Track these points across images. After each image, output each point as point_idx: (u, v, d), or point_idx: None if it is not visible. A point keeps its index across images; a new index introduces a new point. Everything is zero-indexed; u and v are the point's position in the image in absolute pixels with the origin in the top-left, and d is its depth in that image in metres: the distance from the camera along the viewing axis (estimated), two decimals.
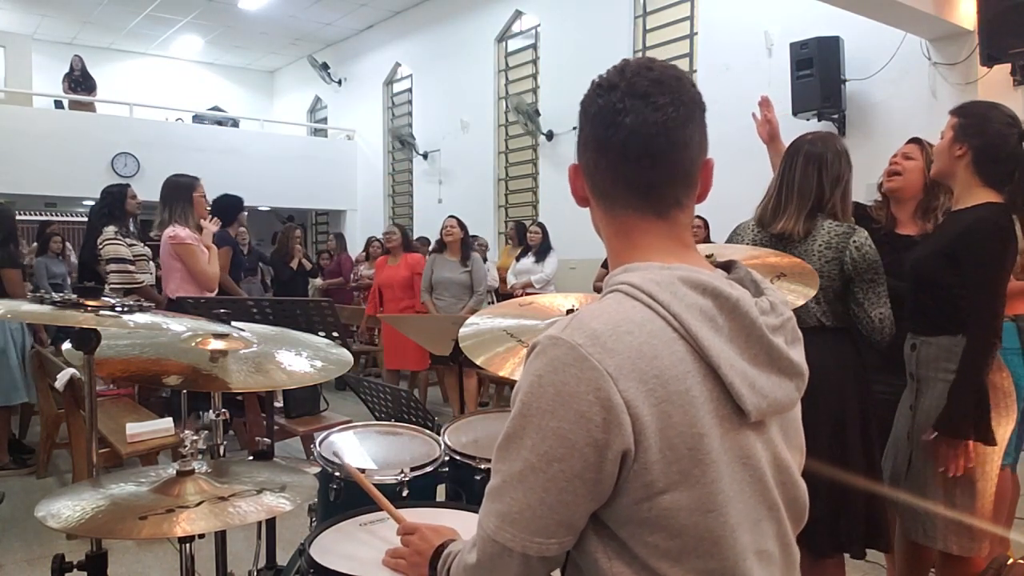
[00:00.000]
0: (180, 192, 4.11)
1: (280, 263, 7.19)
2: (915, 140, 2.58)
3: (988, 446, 2.04)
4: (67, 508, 1.31)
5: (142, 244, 4.64)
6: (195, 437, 1.47)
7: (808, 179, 2.14)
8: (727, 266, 0.98)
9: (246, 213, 5.58)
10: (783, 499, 0.92)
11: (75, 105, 10.77)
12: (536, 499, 0.83)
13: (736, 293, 0.87)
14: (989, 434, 2.02)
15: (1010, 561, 2.20)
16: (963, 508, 2.07)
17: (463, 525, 1.28)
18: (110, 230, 4.44)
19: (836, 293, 2.13)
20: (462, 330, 1.99)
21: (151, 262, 4.72)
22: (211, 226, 4.26)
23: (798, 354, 0.93)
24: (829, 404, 2.06)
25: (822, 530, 2.03)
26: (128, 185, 4.86)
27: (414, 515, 1.39)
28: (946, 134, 2.14)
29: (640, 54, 7.47)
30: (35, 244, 7.80)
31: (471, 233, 6.14)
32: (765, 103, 2.57)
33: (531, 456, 0.83)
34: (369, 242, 8.59)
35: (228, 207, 5.47)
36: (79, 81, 10.86)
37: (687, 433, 0.81)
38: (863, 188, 5.12)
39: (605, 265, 6.61)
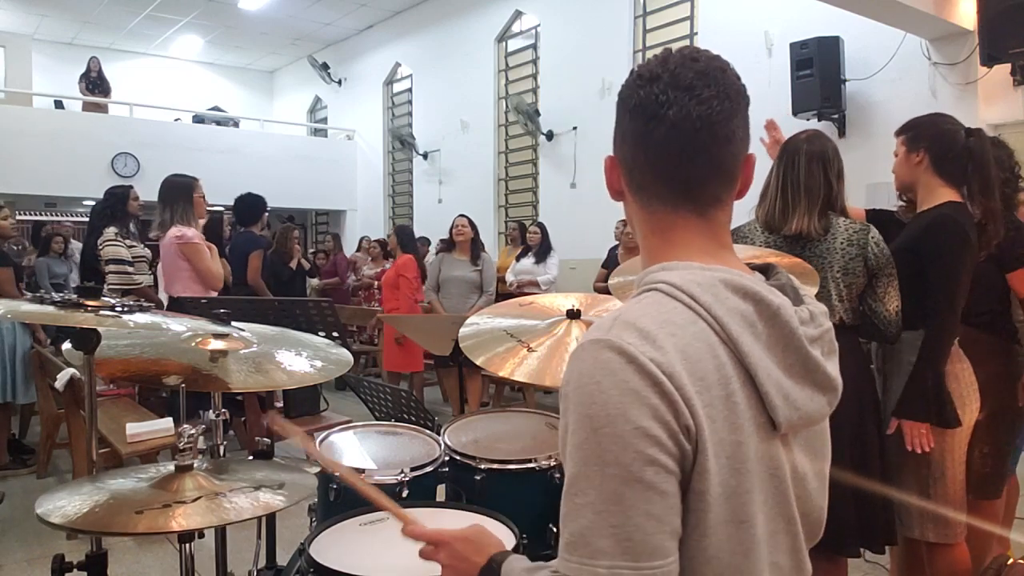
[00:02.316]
0: (180, 192, 4.11)
1: (279, 263, 7.16)
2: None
3: (954, 434, 2.15)
4: (65, 503, 1.31)
5: (142, 246, 4.64)
6: (192, 431, 1.47)
7: (814, 177, 2.15)
8: (765, 270, 0.94)
9: (267, 213, 5.46)
10: (802, 516, 0.89)
11: (88, 106, 10.78)
12: (641, 515, 0.74)
13: (777, 300, 0.85)
14: (951, 418, 2.13)
15: (1010, 561, 2.21)
16: (937, 497, 2.15)
17: (463, 525, 1.28)
18: (110, 231, 4.45)
19: (858, 290, 2.16)
20: (462, 330, 1.99)
21: (150, 264, 4.72)
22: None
23: (833, 367, 0.90)
24: (850, 403, 2.07)
25: (848, 529, 2.06)
26: (131, 187, 4.87)
27: (413, 516, 1.39)
28: (899, 151, 2.29)
29: (640, 54, 7.47)
30: (27, 244, 7.77)
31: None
32: (771, 126, 2.57)
33: (619, 470, 0.74)
34: (361, 242, 8.62)
35: (251, 207, 5.29)
36: (96, 83, 10.87)
37: (727, 440, 0.78)
38: (863, 188, 5.13)
39: (605, 265, 6.57)
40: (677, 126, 0.85)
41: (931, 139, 2.22)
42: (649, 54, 7.45)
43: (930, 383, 2.10)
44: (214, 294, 4.07)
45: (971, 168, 2.20)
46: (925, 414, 2.10)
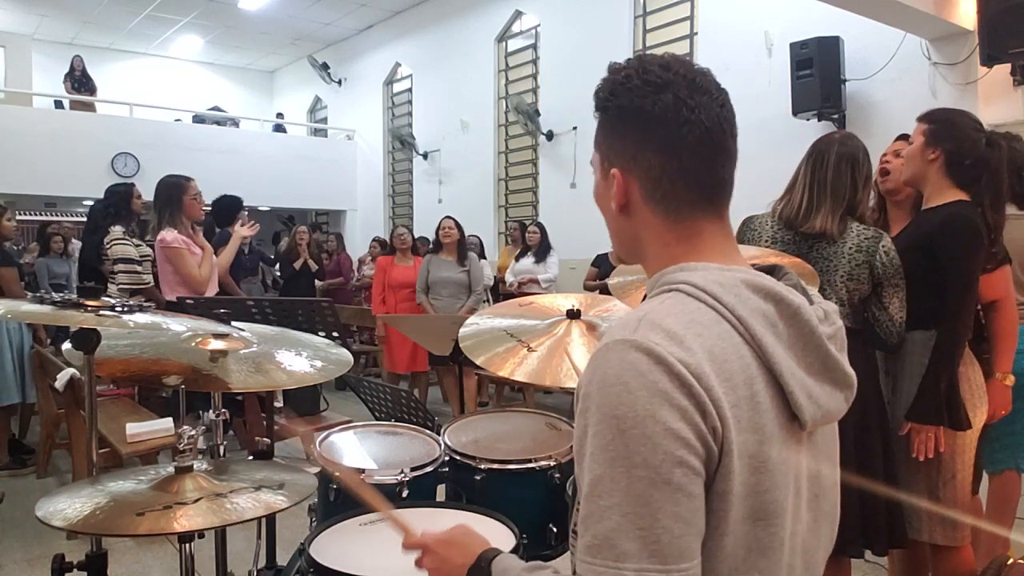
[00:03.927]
0: (170, 194, 4.11)
1: (286, 262, 7.27)
2: (904, 137, 2.60)
3: (965, 435, 2.12)
4: (66, 506, 1.31)
5: (146, 244, 4.64)
6: (192, 432, 1.47)
7: (842, 178, 2.13)
8: (771, 271, 0.94)
9: (246, 213, 5.62)
10: (815, 513, 0.89)
11: (76, 105, 10.79)
12: (669, 517, 0.73)
13: (797, 300, 0.85)
14: (961, 420, 2.10)
15: (1010, 561, 2.21)
16: (946, 499, 2.13)
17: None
18: (117, 230, 4.44)
19: (862, 296, 2.14)
20: (462, 330, 1.99)
21: (154, 263, 4.73)
22: (245, 231, 4.46)
23: (847, 365, 0.90)
24: (854, 407, 2.05)
25: (851, 530, 2.05)
26: (133, 184, 4.86)
27: (413, 515, 1.39)
28: (916, 140, 2.22)
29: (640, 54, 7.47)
30: (34, 243, 7.78)
31: (470, 232, 6.15)
32: None
33: (647, 472, 0.73)
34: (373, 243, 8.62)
35: (227, 207, 5.51)
36: (81, 81, 10.88)
37: (751, 440, 0.78)
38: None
39: (596, 263, 6.53)
40: (710, 129, 0.87)
41: (951, 141, 2.16)
42: (649, 54, 7.45)
43: (944, 386, 2.06)
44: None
45: (986, 180, 2.16)
46: (938, 418, 2.06)
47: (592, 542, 0.75)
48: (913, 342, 2.15)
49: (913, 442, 2.09)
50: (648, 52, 0.80)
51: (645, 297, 0.91)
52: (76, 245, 7.44)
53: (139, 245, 4.51)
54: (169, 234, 4.00)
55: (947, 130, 2.17)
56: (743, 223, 2.31)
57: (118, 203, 4.59)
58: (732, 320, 0.81)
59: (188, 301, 2.73)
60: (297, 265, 7.07)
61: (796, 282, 0.92)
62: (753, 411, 0.79)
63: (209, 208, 5.50)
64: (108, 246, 4.43)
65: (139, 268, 4.42)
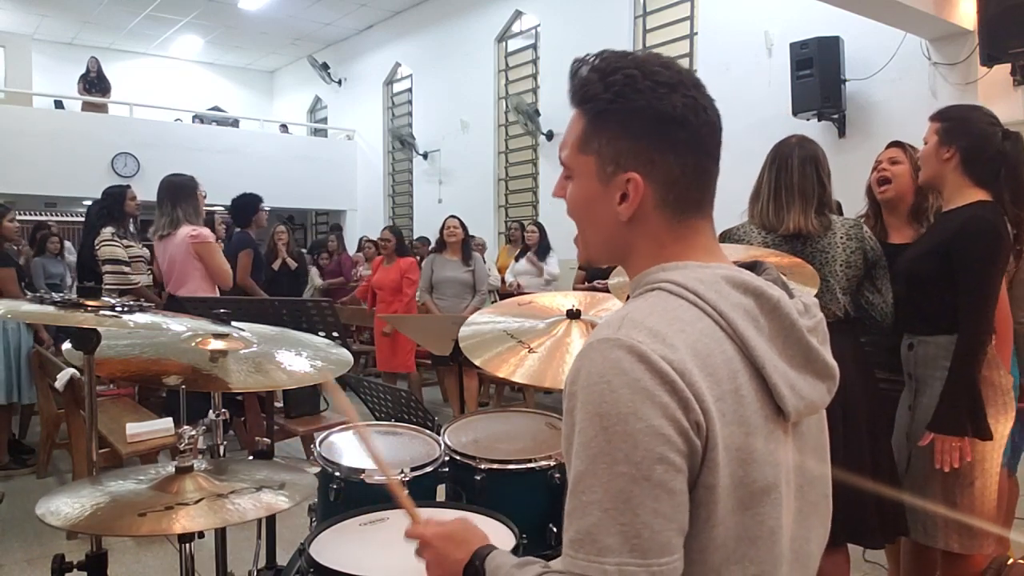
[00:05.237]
0: (186, 191, 4.10)
1: (266, 264, 7.13)
2: (897, 143, 2.56)
3: (986, 443, 2.06)
4: (66, 505, 1.31)
5: (139, 246, 4.64)
6: (192, 432, 1.47)
7: (808, 178, 2.18)
8: (752, 267, 0.95)
9: (265, 213, 5.36)
10: (801, 503, 0.90)
11: (87, 106, 10.78)
12: (649, 513, 0.75)
13: (776, 294, 0.86)
14: (986, 429, 2.04)
15: (1010, 561, 2.20)
16: (963, 507, 2.08)
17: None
18: (107, 231, 4.44)
19: (858, 282, 2.21)
20: (462, 330, 1.99)
21: (148, 264, 4.72)
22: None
23: (829, 356, 0.92)
24: (843, 394, 2.06)
25: (869, 521, 2.06)
26: (128, 186, 4.85)
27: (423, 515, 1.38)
28: (930, 139, 2.17)
29: None
30: (25, 244, 7.74)
31: (470, 233, 6.14)
32: None
33: (628, 468, 0.75)
34: (362, 242, 8.60)
35: (244, 207, 5.23)
36: (94, 83, 10.88)
37: (737, 432, 0.80)
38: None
39: (583, 267, 6.60)
40: (717, 128, 0.88)
41: (966, 138, 2.09)
42: None
43: (964, 394, 2.01)
44: (216, 292, 4.07)
45: (1004, 173, 2.12)
46: (962, 428, 2.00)
47: (575, 536, 0.77)
48: (937, 346, 2.10)
49: (936, 453, 2.03)
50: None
51: (628, 298, 0.92)
52: (67, 246, 7.44)
53: (130, 246, 4.51)
54: (203, 229, 4.00)
55: (961, 127, 2.12)
56: (721, 236, 2.29)
57: (111, 204, 4.59)
58: (714, 316, 0.82)
59: (187, 301, 2.73)
60: (276, 265, 6.94)
61: (776, 277, 0.94)
62: (737, 404, 0.80)
63: (226, 208, 5.43)
64: (97, 247, 4.44)
65: (127, 269, 4.42)
